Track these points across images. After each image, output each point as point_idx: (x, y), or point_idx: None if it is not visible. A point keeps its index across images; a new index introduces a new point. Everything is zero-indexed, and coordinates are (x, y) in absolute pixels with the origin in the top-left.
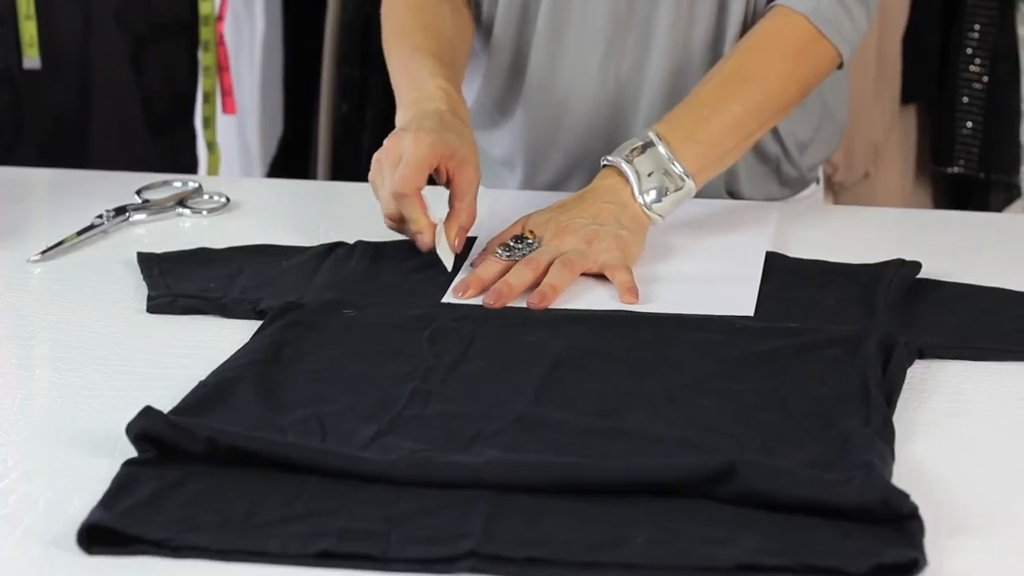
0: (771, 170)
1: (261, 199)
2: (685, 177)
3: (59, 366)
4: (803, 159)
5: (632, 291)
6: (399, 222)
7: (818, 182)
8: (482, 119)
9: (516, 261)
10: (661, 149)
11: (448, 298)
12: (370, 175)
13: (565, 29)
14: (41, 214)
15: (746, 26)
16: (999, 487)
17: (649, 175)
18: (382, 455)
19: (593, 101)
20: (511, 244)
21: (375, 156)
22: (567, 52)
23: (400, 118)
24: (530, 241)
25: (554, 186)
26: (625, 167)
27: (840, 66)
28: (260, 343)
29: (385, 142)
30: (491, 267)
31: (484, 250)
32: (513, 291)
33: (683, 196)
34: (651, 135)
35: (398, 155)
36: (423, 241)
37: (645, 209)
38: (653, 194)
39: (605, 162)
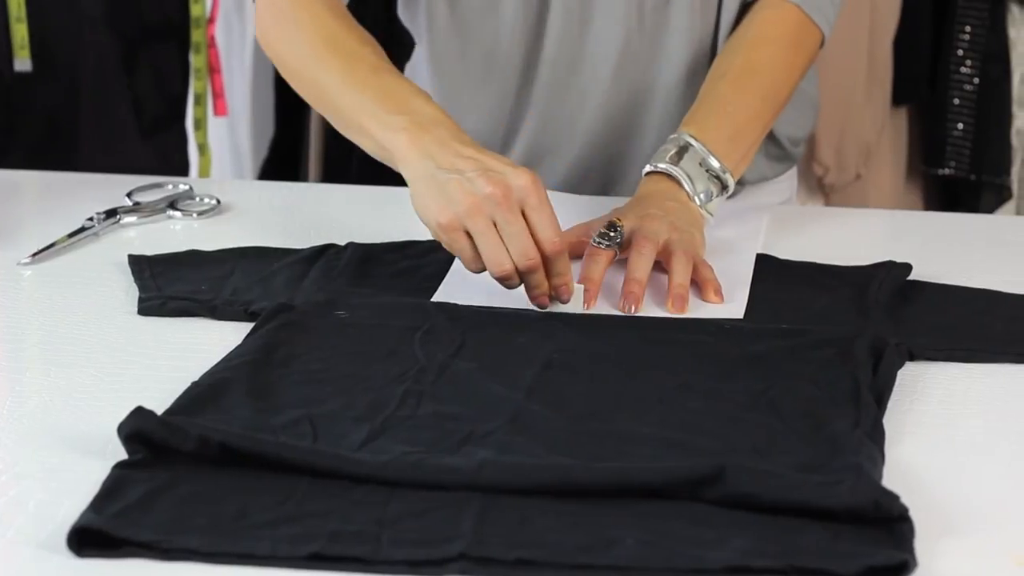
0: (760, 149)
1: (252, 201)
2: (724, 175)
3: (50, 368)
4: (783, 134)
5: (719, 290)
6: (517, 276)
7: (796, 164)
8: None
9: (614, 249)
10: (699, 150)
11: (440, 297)
12: (473, 225)
13: (579, 43)
14: (32, 216)
15: (736, 23)
16: (989, 488)
17: (696, 177)
18: (373, 456)
19: (604, 110)
20: (608, 232)
21: (467, 202)
22: (581, 65)
23: (408, 142)
24: (619, 228)
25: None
26: (676, 172)
27: (820, 46)
28: (252, 344)
29: (460, 182)
30: (598, 263)
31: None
32: (643, 284)
33: (725, 194)
34: (686, 137)
35: (516, 199)
36: (564, 300)
37: (702, 209)
38: (703, 195)
39: (649, 169)
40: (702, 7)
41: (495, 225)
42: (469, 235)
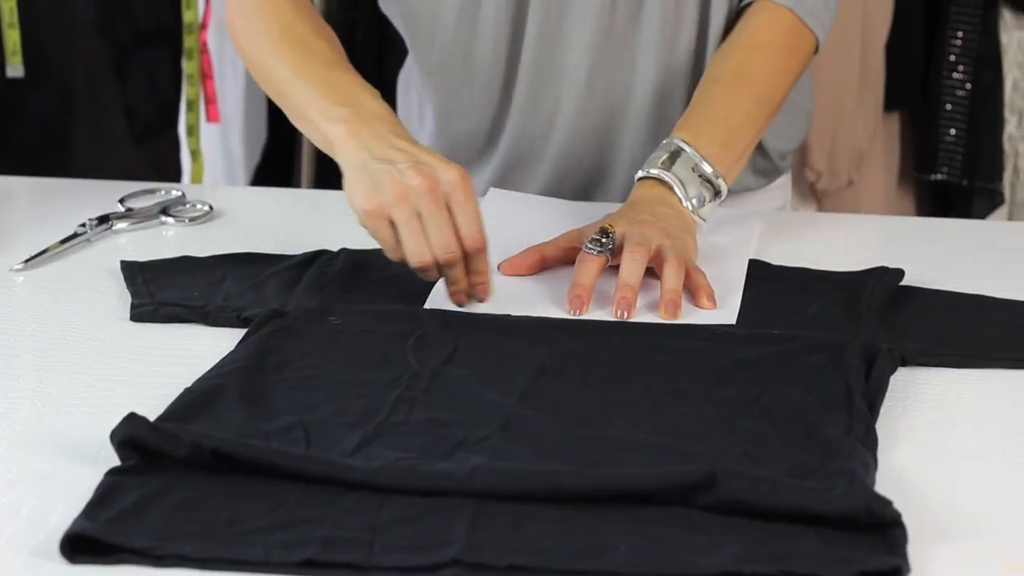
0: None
1: (244, 207)
2: (716, 180)
3: (42, 375)
4: (771, 146)
5: (712, 296)
6: (437, 269)
7: (788, 172)
8: (466, 154)
9: (605, 255)
10: (691, 155)
11: (432, 303)
12: (397, 214)
13: (553, 50)
14: (24, 223)
15: (727, 28)
16: (982, 494)
17: (688, 182)
18: (366, 462)
19: (579, 117)
20: (600, 239)
21: (394, 191)
22: (555, 71)
23: (347, 133)
24: (611, 234)
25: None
26: (668, 177)
27: (815, 51)
28: (245, 351)
29: (390, 172)
30: (590, 269)
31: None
32: (635, 290)
33: (718, 200)
34: (678, 143)
35: (443, 193)
36: (480, 299)
37: (694, 215)
38: (695, 201)
39: (642, 175)
40: (675, 12)
41: (420, 217)
42: (394, 225)
